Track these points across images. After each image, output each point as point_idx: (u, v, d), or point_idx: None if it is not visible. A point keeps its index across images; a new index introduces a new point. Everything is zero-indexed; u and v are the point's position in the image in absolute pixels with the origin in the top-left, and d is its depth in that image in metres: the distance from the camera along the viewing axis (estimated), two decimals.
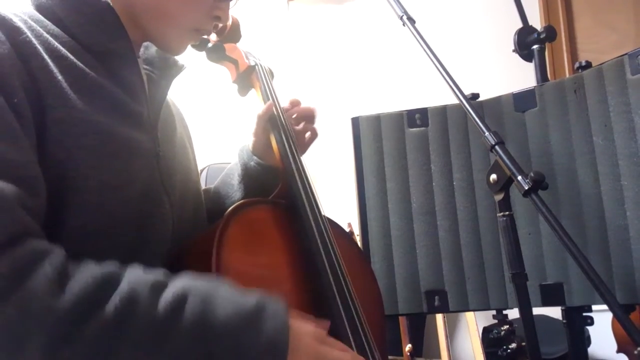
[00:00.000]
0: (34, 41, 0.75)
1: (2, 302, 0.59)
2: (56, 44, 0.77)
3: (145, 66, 0.94)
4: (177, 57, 0.97)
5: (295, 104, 1.13)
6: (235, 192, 1.10)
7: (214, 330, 0.67)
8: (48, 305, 0.61)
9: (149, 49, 0.96)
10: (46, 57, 0.75)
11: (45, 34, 0.77)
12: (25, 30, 0.75)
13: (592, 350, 2.13)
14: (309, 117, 1.13)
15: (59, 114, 0.73)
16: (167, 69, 0.96)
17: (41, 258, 0.63)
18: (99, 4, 0.83)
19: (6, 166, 0.66)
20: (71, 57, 0.78)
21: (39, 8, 0.81)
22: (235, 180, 1.10)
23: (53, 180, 0.71)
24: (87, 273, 0.65)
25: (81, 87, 0.76)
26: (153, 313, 0.65)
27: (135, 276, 0.68)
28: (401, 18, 1.13)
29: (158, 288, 0.68)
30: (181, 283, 0.70)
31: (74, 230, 0.70)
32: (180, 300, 0.67)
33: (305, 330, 0.75)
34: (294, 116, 1.12)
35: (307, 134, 1.13)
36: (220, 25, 0.95)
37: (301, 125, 1.12)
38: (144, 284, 0.67)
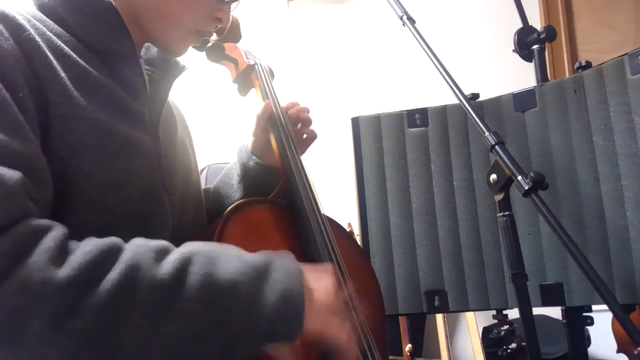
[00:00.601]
0: (37, 39, 0.75)
1: (5, 280, 0.59)
2: (59, 42, 0.78)
3: (146, 67, 0.95)
4: (178, 58, 0.97)
5: (293, 105, 1.13)
6: (234, 192, 1.10)
7: (221, 289, 0.66)
8: (49, 278, 0.60)
9: (150, 50, 0.97)
10: (49, 54, 0.75)
11: (48, 32, 0.78)
12: (29, 28, 0.75)
13: (592, 350, 2.12)
14: (305, 120, 1.13)
15: (62, 110, 0.73)
16: (169, 70, 0.96)
17: (42, 234, 0.63)
18: (101, 3, 0.84)
19: (13, 157, 0.66)
20: (74, 55, 0.78)
21: (42, 8, 0.82)
22: (235, 180, 1.10)
23: (55, 176, 0.71)
24: (89, 245, 0.65)
25: (83, 85, 0.77)
26: (157, 277, 0.65)
27: (137, 244, 0.68)
28: (401, 18, 1.13)
29: (161, 253, 0.68)
30: (186, 247, 0.70)
31: (74, 228, 0.70)
32: (185, 262, 0.67)
33: (320, 282, 0.75)
34: (292, 118, 1.12)
35: (305, 136, 1.13)
36: (221, 26, 0.95)
37: (299, 126, 1.12)
38: (146, 250, 0.67)
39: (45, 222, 0.65)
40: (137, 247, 0.67)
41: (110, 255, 0.65)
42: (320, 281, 0.75)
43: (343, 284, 0.83)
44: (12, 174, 0.64)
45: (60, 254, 0.63)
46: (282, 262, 0.72)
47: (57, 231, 0.65)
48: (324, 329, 0.73)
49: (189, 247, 0.70)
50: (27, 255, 0.61)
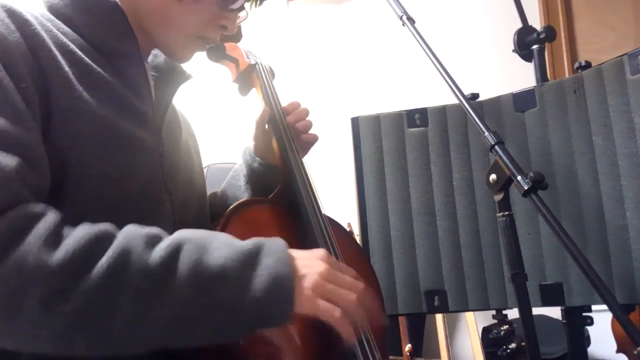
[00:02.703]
0: (43, 34, 0.77)
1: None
2: (65, 39, 0.79)
3: (152, 72, 0.95)
4: (184, 67, 0.98)
5: (294, 107, 1.12)
6: (242, 193, 1.10)
7: (211, 275, 0.67)
8: (42, 261, 0.62)
9: (158, 57, 0.98)
10: (54, 49, 0.77)
11: (55, 30, 0.79)
12: (36, 24, 0.77)
13: (591, 350, 2.13)
14: (304, 128, 1.10)
15: (63, 102, 0.74)
16: (174, 76, 0.97)
17: (36, 219, 0.65)
18: (108, 4, 0.85)
19: (12, 143, 0.67)
20: (79, 52, 0.80)
21: (51, 9, 0.84)
22: (242, 181, 1.11)
23: (55, 167, 0.72)
24: (82, 231, 0.67)
25: (88, 81, 0.78)
26: (148, 263, 0.66)
27: (129, 231, 0.69)
28: (401, 18, 1.13)
29: (152, 240, 0.69)
30: (176, 234, 0.71)
31: (71, 219, 0.70)
32: (175, 249, 0.68)
33: (311, 265, 0.74)
34: (292, 119, 1.11)
35: (305, 138, 1.12)
36: (227, 34, 0.95)
37: (300, 126, 1.11)
38: (138, 237, 0.68)
39: (39, 207, 0.67)
40: (129, 234, 0.69)
41: (102, 241, 0.66)
42: (311, 264, 0.75)
43: (339, 263, 0.82)
44: (9, 160, 0.66)
45: (54, 238, 0.65)
46: (273, 247, 0.72)
47: (51, 216, 0.66)
48: (315, 312, 0.73)
49: (180, 234, 0.71)
50: (21, 239, 0.63)
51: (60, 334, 0.63)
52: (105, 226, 0.69)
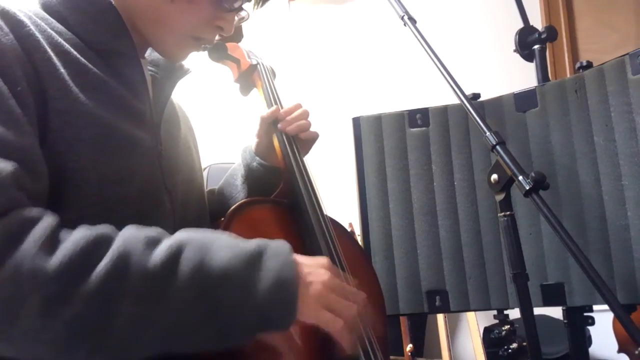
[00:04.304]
0: (37, 35, 0.76)
1: None
2: (60, 39, 0.78)
3: (150, 67, 0.95)
4: (183, 61, 0.97)
5: (295, 109, 1.12)
6: (238, 192, 1.10)
7: (213, 277, 0.67)
8: (39, 267, 0.61)
9: (155, 52, 0.97)
10: (49, 50, 0.76)
11: (49, 30, 0.78)
12: (29, 24, 0.76)
13: (593, 350, 2.13)
14: (302, 128, 1.09)
15: (60, 105, 0.74)
16: (172, 72, 0.96)
17: (33, 223, 0.64)
18: (102, 3, 0.84)
19: (7, 148, 0.66)
20: (74, 52, 0.79)
21: (45, 6, 0.82)
22: (239, 180, 1.11)
23: (53, 171, 0.72)
24: (79, 234, 0.66)
25: (84, 82, 0.77)
26: (148, 266, 0.65)
27: (128, 234, 0.68)
28: (402, 18, 1.13)
29: (151, 242, 0.68)
30: (177, 236, 0.70)
31: (71, 222, 0.70)
32: (176, 251, 0.67)
33: (315, 273, 0.74)
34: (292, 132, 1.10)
35: (306, 136, 1.12)
36: (224, 35, 0.94)
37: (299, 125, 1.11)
38: (137, 239, 0.68)
39: (35, 211, 0.66)
40: (128, 236, 0.68)
41: (100, 244, 0.66)
42: (314, 271, 0.75)
43: (341, 273, 0.82)
44: (4, 165, 0.65)
45: (51, 242, 0.64)
46: (277, 250, 0.72)
47: (48, 220, 0.66)
48: (317, 321, 0.72)
49: (181, 236, 0.70)
50: (18, 244, 0.62)
51: (60, 340, 0.63)
52: (103, 228, 0.68)
